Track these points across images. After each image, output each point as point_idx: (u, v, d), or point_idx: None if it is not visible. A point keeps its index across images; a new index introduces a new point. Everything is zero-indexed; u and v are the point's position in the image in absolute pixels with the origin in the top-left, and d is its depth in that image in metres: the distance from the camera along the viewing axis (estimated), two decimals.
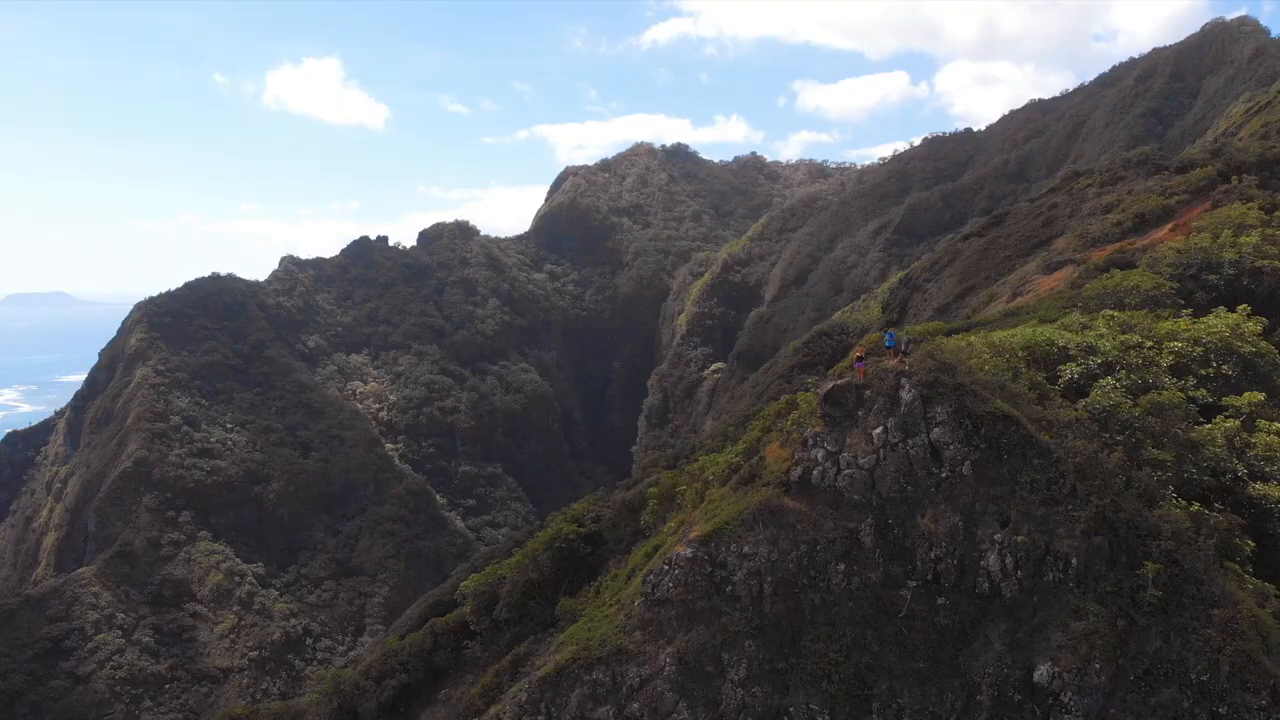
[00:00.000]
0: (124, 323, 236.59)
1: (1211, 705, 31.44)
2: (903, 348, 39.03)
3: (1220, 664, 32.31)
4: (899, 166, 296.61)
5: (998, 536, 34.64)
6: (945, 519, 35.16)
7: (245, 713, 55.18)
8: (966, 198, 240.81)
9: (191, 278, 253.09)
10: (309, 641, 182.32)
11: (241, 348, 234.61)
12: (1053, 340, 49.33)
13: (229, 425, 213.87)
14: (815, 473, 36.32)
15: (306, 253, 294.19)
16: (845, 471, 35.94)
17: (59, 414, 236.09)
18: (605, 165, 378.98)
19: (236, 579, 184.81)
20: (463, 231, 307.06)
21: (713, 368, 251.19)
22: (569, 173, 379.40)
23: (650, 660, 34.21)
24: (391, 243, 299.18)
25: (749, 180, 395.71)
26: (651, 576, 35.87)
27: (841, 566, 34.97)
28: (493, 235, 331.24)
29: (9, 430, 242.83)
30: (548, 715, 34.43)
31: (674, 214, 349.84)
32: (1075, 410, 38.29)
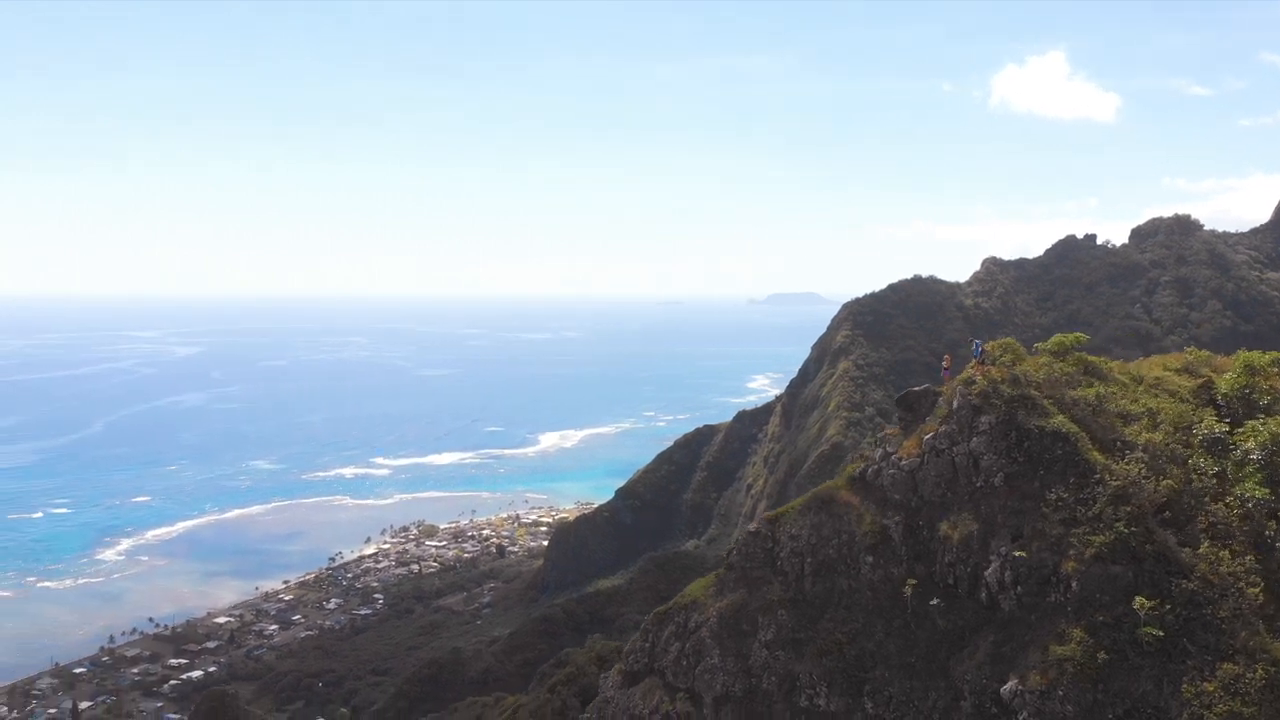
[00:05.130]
0: (833, 320, 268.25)
1: None
2: (982, 356, 38.21)
3: None
4: None
5: (1004, 549, 33.88)
6: (964, 526, 35.36)
7: (599, 645, 71.09)
8: None
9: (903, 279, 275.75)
10: None
11: (935, 346, 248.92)
12: None
13: None
14: (871, 471, 38.80)
15: (1039, 253, 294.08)
16: (890, 472, 37.85)
17: (778, 398, 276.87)
18: None
19: None
20: (1181, 226, 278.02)
21: None
22: None
23: (706, 611, 40.77)
24: (1101, 240, 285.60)
25: None
26: (732, 545, 41.94)
27: (870, 558, 37.43)
28: (1239, 230, 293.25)
29: (739, 410, 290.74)
30: (651, 643, 43.06)
31: None
32: (1150, 435, 34.09)
